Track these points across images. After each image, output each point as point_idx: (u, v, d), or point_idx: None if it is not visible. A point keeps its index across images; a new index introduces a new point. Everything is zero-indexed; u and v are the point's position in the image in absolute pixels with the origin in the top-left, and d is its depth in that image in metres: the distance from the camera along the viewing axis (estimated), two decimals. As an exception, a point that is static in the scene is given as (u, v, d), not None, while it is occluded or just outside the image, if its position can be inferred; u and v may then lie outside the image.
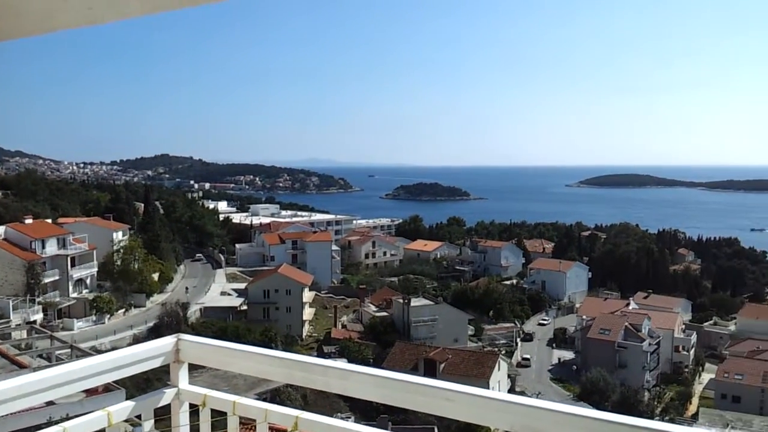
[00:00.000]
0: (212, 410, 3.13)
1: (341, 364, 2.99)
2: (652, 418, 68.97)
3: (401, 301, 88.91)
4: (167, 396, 3.15)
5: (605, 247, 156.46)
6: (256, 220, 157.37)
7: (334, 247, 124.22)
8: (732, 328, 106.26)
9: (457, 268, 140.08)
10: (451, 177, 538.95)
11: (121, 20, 2.23)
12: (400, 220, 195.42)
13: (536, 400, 2.53)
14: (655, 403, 76.72)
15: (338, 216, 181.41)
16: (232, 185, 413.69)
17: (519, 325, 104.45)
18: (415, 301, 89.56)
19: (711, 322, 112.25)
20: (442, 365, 66.85)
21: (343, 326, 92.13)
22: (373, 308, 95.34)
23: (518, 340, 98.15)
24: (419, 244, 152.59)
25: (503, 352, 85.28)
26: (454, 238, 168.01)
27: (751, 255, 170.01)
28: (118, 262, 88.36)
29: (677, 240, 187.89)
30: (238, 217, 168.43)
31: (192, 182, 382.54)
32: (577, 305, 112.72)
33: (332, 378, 2.88)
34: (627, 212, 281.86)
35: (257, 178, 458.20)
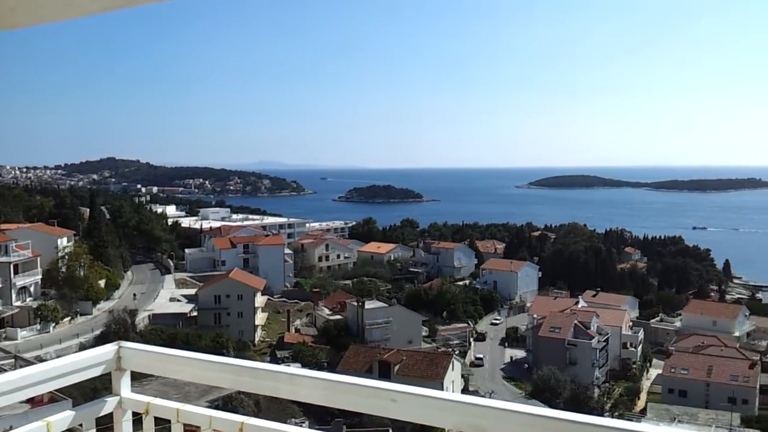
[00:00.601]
0: (156, 418, 3.05)
1: (289, 368, 2.94)
2: (602, 414, 70.53)
3: (355, 303, 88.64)
4: (109, 405, 3.06)
5: (555, 247, 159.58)
6: (206, 224, 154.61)
7: (287, 251, 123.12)
8: (678, 324, 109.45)
9: (411, 269, 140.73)
10: (404, 179, 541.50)
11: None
12: (354, 223, 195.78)
13: (480, 398, 2.52)
14: (605, 399, 78.46)
15: (291, 219, 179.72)
16: (181, 189, 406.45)
17: (472, 325, 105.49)
18: (369, 304, 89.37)
19: (657, 318, 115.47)
20: (397, 367, 66.81)
21: (297, 330, 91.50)
22: (327, 312, 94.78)
23: (471, 340, 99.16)
24: (373, 247, 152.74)
25: (457, 352, 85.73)
26: (408, 239, 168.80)
27: (695, 253, 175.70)
28: (63, 269, 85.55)
29: (624, 239, 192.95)
30: (187, 222, 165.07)
31: (139, 186, 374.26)
32: (528, 304, 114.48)
33: (281, 383, 2.82)
34: (575, 212, 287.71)
35: (207, 182, 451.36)
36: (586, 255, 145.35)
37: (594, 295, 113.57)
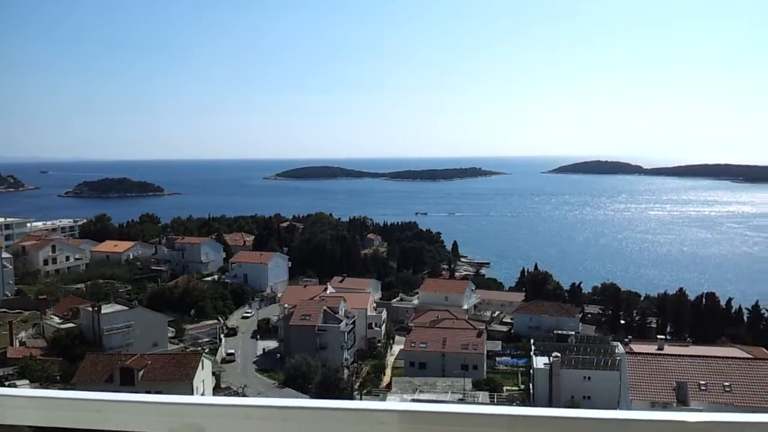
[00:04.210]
0: None
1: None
2: (351, 393, 73.20)
3: (90, 309, 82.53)
4: None
5: (303, 237, 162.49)
6: None
7: (5, 255, 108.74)
8: (416, 302, 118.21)
9: (154, 268, 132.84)
10: (142, 171, 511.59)
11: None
12: (85, 220, 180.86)
13: (196, 396, 2.49)
14: (354, 378, 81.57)
15: (8, 219, 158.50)
16: None
17: (222, 321, 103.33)
18: (107, 308, 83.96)
19: (398, 298, 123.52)
20: (141, 372, 62.76)
21: (22, 343, 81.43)
22: (57, 320, 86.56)
23: (222, 336, 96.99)
24: (108, 246, 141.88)
25: (207, 350, 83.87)
26: (148, 236, 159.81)
27: (428, 236, 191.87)
28: None
29: (366, 226, 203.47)
30: None
31: None
32: (279, 295, 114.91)
33: None
34: (321, 202, 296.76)
35: None
36: (332, 243, 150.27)
37: (341, 281, 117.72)
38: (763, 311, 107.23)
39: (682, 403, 51.23)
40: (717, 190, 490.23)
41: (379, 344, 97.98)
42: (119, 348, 77.25)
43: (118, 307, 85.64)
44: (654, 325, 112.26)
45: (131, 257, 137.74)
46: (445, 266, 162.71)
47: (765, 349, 79.09)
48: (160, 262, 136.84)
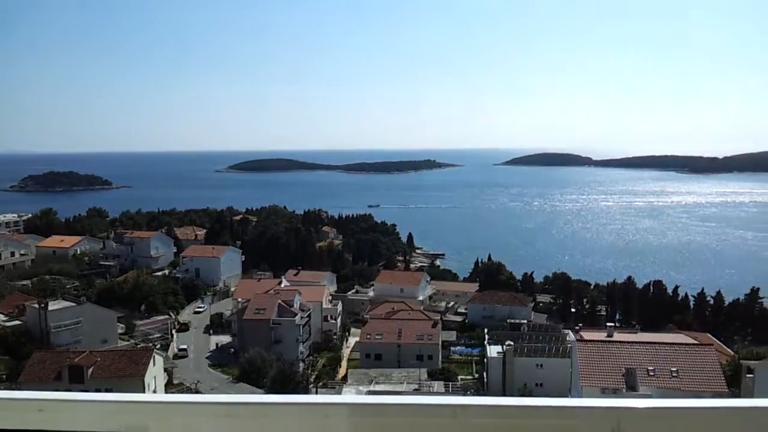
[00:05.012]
0: None
1: None
2: (307, 386, 72.96)
3: (36, 305, 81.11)
4: None
5: (257, 230, 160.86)
6: None
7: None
8: (371, 294, 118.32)
9: (102, 263, 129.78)
10: (89, 164, 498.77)
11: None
12: (30, 215, 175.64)
13: (140, 394, 2.48)
14: (309, 371, 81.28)
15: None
16: None
17: (174, 316, 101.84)
18: (54, 305, 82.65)
19: (353, 290, 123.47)
20: (91, 370, 61.47)
21: (-37, 344, 78.21)
22: (2, 317, 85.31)
23: (174, 331, 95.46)
24: (55, 241, 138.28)
25: (158, 346, 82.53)
26: (96, 231, 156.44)
27: (383, 228, 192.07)
28: None
29: (321, 219, 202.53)
30: None
31: None
32: (233, 289, 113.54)
33: None
34: (275, 195, 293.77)
35: None
36: (287, 236, 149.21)
37: (296, 274, 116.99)
38: (708, 298, 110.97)
39: (631, 388, 52.65)
40: (663, 181, 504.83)
41: (335, 337, 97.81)
42: (67, 345, 76.08)
43: (66, 304, 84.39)
44: (603, 313, 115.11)
45: (79, 252, 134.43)
46: (401, 258, 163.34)
47: (710, 335, 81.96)
48: (109, 257, 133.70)
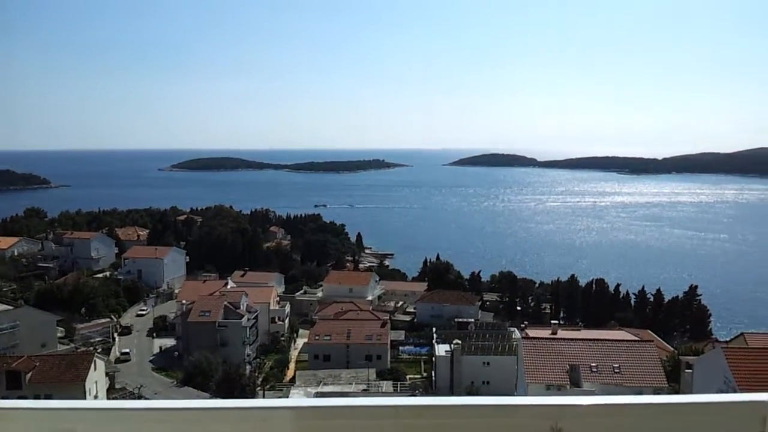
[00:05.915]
0: None
1: None
2: (254, 389, 71.84)
3: None
4: None
5: (202, 230, 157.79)
6: None
7: None
8: (320, 294, 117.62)
9: (40, 265, 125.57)
10: (26, 163, 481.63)
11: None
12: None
13: (66, 401, 2.46)
14: (256, 374, 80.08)
15: None
16: None
17: (116, 319, 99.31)
18: None
19: (302, 291, 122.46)
20: (29, 375, 59.10)
21: None
22: None
23: (116, 334, 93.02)
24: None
25: (99, 350, 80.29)
26: (34, 231, 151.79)
27: (332, 228, 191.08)
28: None
29: (269, 218, 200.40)
30: None
31: None
32: (177, 291, 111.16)
33: None
34: (221, 195, 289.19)
35: None
36: (233, 236, 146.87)
37: (243, 275, 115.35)
38: (648, 296, 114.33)
39: (575, 384, 53.67)
40: (605, 182, 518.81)
41: (283, 338, 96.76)
42: (4, 350, 73.03)
43: (3, 307, 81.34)
44: (548, 311, 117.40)
45: (16, 254, 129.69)
46: (350, 258, 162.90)
47: (651, 332, 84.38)
48: (47, 258, 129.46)
